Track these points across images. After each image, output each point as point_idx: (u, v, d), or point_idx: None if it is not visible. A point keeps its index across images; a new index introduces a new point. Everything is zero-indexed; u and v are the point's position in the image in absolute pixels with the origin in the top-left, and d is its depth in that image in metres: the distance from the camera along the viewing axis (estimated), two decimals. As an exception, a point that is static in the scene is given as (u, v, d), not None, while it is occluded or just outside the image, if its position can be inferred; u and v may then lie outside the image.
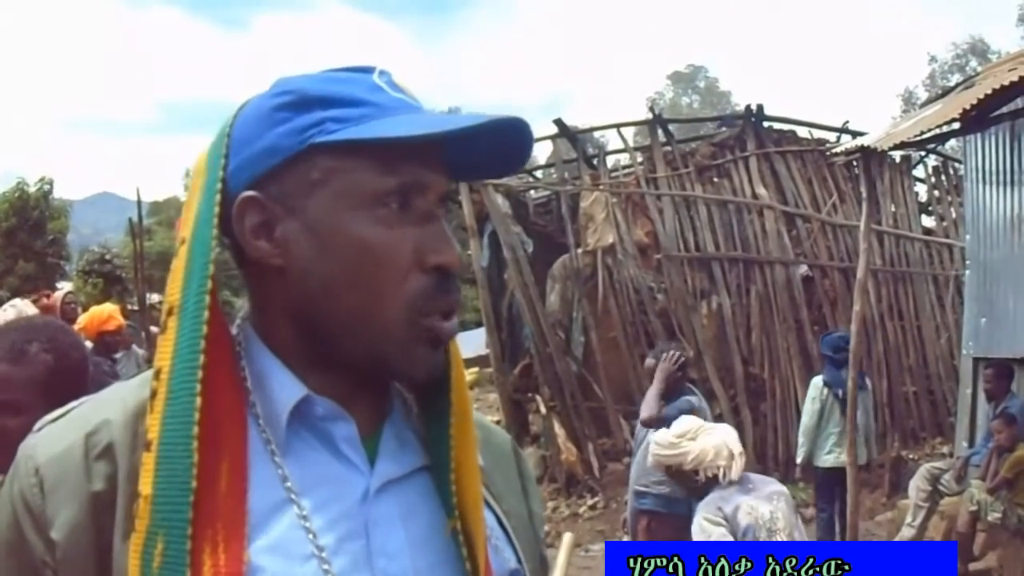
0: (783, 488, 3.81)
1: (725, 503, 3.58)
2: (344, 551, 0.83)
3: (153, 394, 0.82)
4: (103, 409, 0.85)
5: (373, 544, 0.84)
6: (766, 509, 3.55)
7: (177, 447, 0.79)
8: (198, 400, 0.80)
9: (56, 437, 0.84)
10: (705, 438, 3.78)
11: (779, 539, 3.42)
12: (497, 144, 0.88)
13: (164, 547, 0.77)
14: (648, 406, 5.40)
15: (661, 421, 5.35)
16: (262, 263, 0.86)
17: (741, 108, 12.11)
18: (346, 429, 0.87)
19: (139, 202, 5.95)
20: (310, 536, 0.81)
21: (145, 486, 0.79)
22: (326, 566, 0.81)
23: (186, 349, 0.82)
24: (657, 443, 3.93)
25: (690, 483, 3.81)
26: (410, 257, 0.84)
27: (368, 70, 0.89)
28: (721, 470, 3.69)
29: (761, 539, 3.39)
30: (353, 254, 0.83)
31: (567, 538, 0.83)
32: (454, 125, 0.82)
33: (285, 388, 0.85)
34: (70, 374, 1.73)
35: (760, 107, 11.27)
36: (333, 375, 0.87)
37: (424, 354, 0.86)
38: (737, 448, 3.73)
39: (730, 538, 3.50)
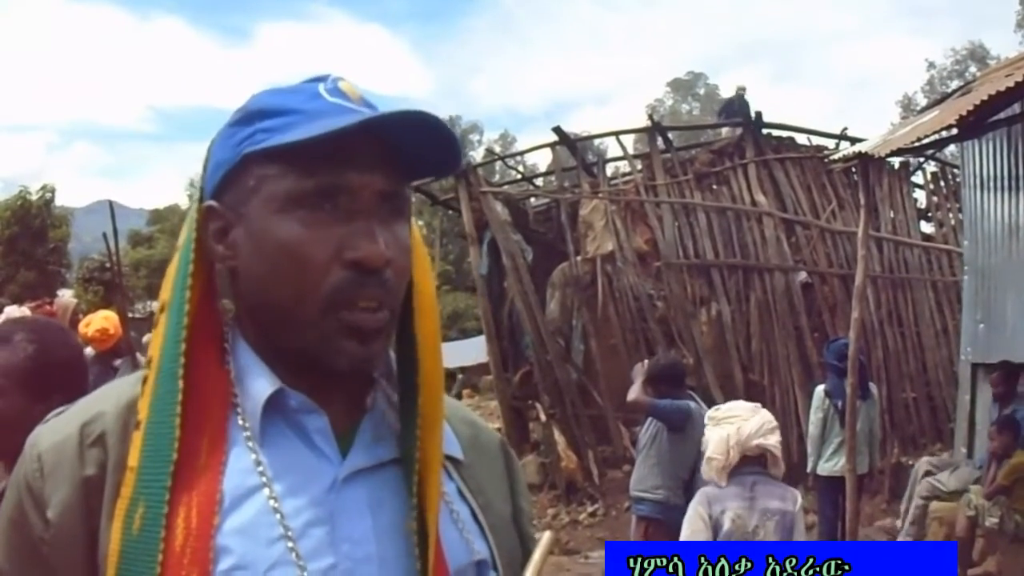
0: (789, 507, 3.52)
1: (716, 503, 3.47)
2: (310, 535, 0.88)
3: (144, 380, 0.91)
4: (100, 402, 0.94)
5: (338, 530, 0.89)
6: (752, 523, 3.42)
7: (162, 424, 0.88)
8: (180, 383, 0.89)
9: (58, 427, 0.92)
10: (720, 429, 3.58)
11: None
12: (430, 140, 0.92)
13: (144, 511, 0.85)
14: (633, 389, 5.51)
15: (650, 406, 5.41)
16: (224, 265, 0.94)
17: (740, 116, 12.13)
18: (318, 421, 0.93)
19: (112, 215, 5.90)
20: (279, 518, 0.87)
21: (132, 459, 0.87)
22: (291, 544, 0.86)
23: (172, 339, 0.91)
24: (708, 416, 3.79)
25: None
26: (330, 254, 0.89)
27: (320, 79, 0.95)
28: (712, 465, 3.52)
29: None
30: (277, 254, 0.90)
31: (545, 537, 0.84)
32: (342, 123, 0.86)
33: (260, 382, 0.92)
34: (54, 368, 1.76)
35: (759, 114, 11.31)
36: (304, 370, 0.92)
37: (346, 346, 0.90)
38: (737, 451, 3.50)
39: (706, 538, 3.39)
